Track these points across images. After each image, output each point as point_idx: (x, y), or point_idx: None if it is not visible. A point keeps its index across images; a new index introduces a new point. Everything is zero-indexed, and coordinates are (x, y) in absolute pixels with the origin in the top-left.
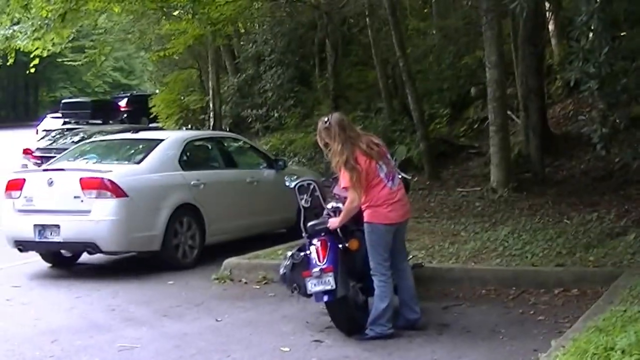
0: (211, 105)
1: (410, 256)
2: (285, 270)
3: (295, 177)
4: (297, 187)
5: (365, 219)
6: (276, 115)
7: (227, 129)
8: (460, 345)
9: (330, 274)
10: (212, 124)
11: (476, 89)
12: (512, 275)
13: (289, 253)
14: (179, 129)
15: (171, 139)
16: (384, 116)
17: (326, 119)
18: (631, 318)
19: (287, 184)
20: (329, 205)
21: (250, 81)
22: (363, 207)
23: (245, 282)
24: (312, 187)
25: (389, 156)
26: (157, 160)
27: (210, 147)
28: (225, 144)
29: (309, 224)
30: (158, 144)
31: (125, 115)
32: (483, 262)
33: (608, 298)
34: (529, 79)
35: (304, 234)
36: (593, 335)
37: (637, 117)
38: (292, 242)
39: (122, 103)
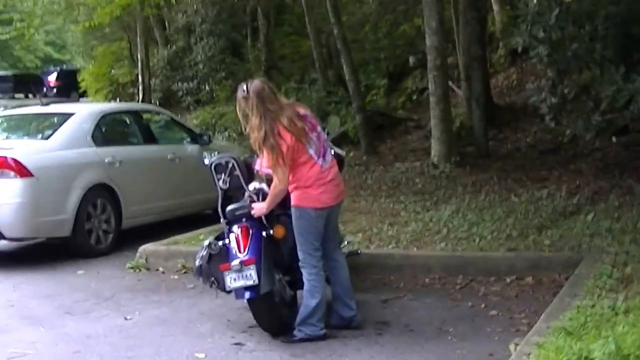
0: (140, 78)
1: (345, 242)
2: (200, 262)
3: (215, 153)
4: (213, 165)
5: (292, 203)
6: (207, 88)
7: (157, 103)
8: (403, 349)
9: (252, 266)
10: (141, 98)
11: (415, 58)
12: (458, 261)
13: (206, 242)
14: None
15: (84, 112)
16: (319, 88)
17: (245, 87)
18: (603, 317)
19: (204, 161)
20: (251, 187)
21: (180, 53)
22: (290, 188)
23: (163, 272)
24: (230, 165)
25: (319, 129)
26: (68, 135)
27: (127, 121)
28: (145, 118)
29: (228, 208)
30: (69, 118)
31: (55, 90)
32: (426, 246)
33: (570, 290)
34: (472, 46)
35: (222, 220)
36: (561, 340)
37: (587, 86)
38: (217, 226)
39: (52, 78)
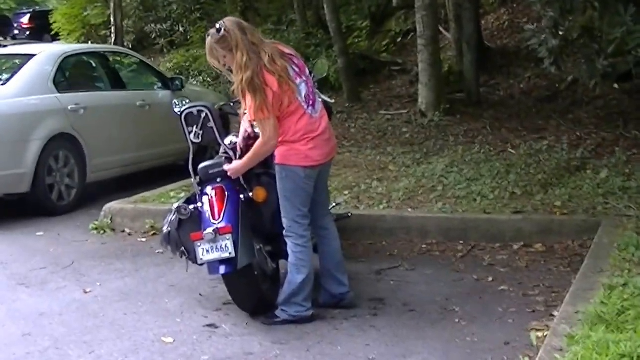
0: (112, 19)
1: (333, 204)
2: (169, 229)
3: (187, 100)
4: (183, 115)
5: (277, 160)
6: (181, 29)
7: (130, 46)
8: (403, 334)
9: (228, 236)
10: (113, 40)
11: None
12: (459, 224)
13: (175, 205)
14: None
15: (44, 54)
16: (297, 29)
17: (218, 26)
18: None
19: (175, 109)
20: (227, 141)
21: None
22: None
23: (129, 234)
24: (204, 115)
25: (307, 73)
26: (27, 80)
27: (93, 64)
28: (112, 60)
29: (201, 165)
30: (28, 61)
31: (27, 32)
32: (421, 206)
33: (594, 264)
34: None
35: (193, 180)
36: (600, 332)
37: (592, 28)
38: (189, 180)
39: (25, 20)
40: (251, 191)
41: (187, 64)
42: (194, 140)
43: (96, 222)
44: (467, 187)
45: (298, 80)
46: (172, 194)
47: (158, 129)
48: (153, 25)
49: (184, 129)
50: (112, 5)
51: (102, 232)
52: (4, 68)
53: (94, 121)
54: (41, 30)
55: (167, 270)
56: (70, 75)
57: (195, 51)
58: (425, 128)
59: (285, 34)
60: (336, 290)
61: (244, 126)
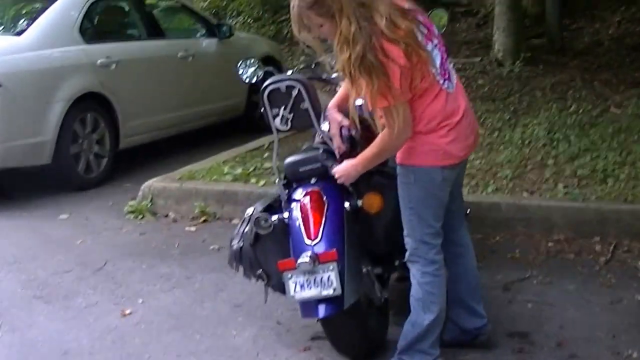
0: None
1: (468, 209)
2: (242, 243)
3: (252, 60)
4: (267, 92)
5: (400, 159)
6: None
7: None
8: None
9: (332, 265)
10: None
11: None
12: (594, 216)
13: (250, 210)
14: None
15: None
16: None
17: None
18: None
19: (241, 74)
20: (325, 127)
21: None
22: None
23: (174, 219)
24: (295, 93)
25: (436, 33)
26: (47, 28)
27: (126, 9)
28: (147, 4)
29: (288, 160)
30: (50, 5)
31: None
32: (538, 189)
33: None
34: None
35: (277, 181)
36: None
37: None
38: (244, 147)
39: None
40: (360, 197)
41: (223, 3)
42: (281, 128)
43: (133, 204)
44: (588, 162)
45: (429, 46)
46: (225, 168)
47: (203, 84)
48: None
49: (266, 110)
50: None
51: (140, 216)
52: (22, 13)
53: (128, 78)
54: None
55: (228, 279)
56: (99, 22)
57: None
58: (504, 80)
59: None
60: (470, 323)
61: (359, 102)
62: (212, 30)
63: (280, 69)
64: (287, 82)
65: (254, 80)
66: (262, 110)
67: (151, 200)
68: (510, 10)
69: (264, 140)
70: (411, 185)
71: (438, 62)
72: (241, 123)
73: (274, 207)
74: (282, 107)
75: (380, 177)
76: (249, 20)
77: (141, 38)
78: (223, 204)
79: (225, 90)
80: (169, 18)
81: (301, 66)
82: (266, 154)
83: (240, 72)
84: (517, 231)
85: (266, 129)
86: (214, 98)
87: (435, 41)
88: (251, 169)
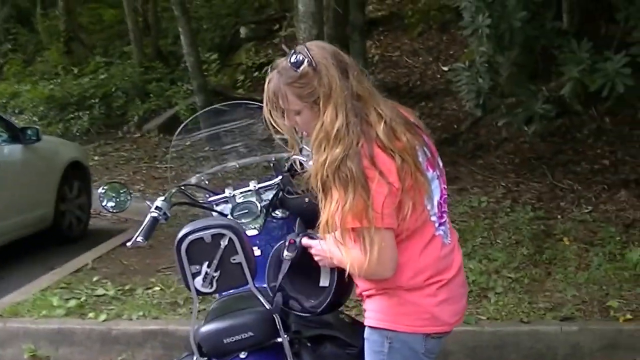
0: None
1: None
2: None
3: (116, 185)
4: (185, 243)
5: (372, 321)
6: None
7: None
8: None
9: None
10: None
11: (247, 29)
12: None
13: None
14: None
15: None
16: (133, 62)
17: (296, 57)
18: None
19: (105, 204)
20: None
21: None
22: (368, 287)
23: None
24: (225, 243)
25: (439, 162)
26: None
27: None
28: None
29: (207, 328)
30: None
31: None
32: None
33: None
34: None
35: (195, 357)
36: None
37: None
38: (66, 269)
39: None
40: None
41: (3, 101)
42: (202, 290)
43: None
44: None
45: (430, 173)
46: (54, 300)
47: (4, 196)
48: None
49: (183, 268)
50: None
51: None
52: None
53: None
54: None
55: None
56: None
57: (11, 87)
58: None
59: (121, 67)
60: None
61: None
62: (16, 135)
63: (87, 176)
64: (214, 230)
65: (123, 211)
66: (178, 267)
67: None
68: None
69: (85, 259)
70: (384, 356)
71: (436, 199)
72: (49, 235)
73: None
74: (206, 263)
75: (333, 346)
76: (34, 118)
77: None
78: (57, 345)
79: (30, 201)
80: None
81: (173, 190)
82: (95, 277)
83: (103, 201)
84: None
85: (79, 239)
86: (20, 210)
87: (438, 172)
88: (83, 298)
